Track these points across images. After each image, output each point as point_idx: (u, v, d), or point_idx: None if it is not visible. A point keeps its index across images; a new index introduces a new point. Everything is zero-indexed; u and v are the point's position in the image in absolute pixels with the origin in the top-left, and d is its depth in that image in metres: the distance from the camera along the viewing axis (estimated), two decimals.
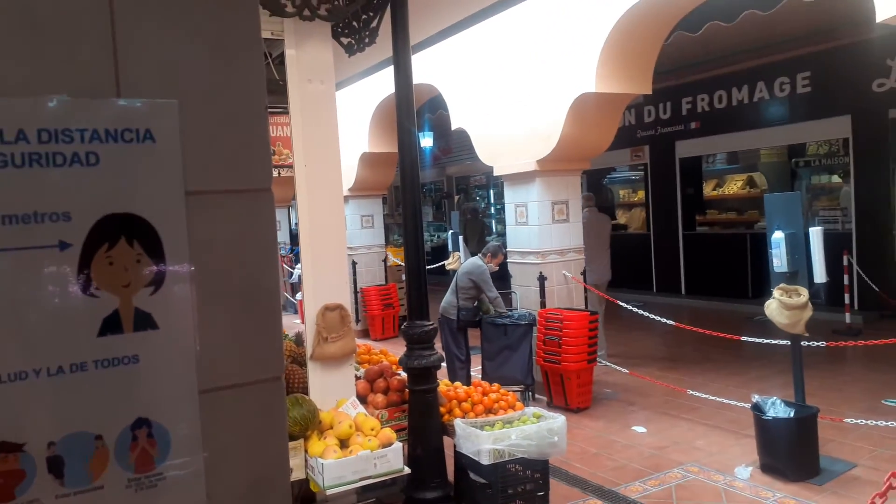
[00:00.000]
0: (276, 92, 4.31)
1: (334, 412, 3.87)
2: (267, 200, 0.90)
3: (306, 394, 4.07)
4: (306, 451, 3.64)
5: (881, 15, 3.80)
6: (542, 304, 6.53)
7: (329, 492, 3.45)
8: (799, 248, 4.28)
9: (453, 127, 7.41)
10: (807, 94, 9.39)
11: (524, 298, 6.79)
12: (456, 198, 17.69)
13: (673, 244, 11.66)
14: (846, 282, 8.13)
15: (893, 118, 8.52)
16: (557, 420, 3.97)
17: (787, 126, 9.79)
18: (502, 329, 6.26)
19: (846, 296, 8.12)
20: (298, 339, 4.64)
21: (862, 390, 6.02)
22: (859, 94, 8.65)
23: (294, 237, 20.71)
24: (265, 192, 0.90)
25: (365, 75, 9.10)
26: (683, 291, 11.51)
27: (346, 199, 10.27)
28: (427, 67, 7.68)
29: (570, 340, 6.00)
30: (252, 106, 0.93)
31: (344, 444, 3.68)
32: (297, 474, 3.63)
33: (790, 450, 4.36)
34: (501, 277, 7.08)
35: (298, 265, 13.50)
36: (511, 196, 6.90)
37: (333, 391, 4.07)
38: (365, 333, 10.31)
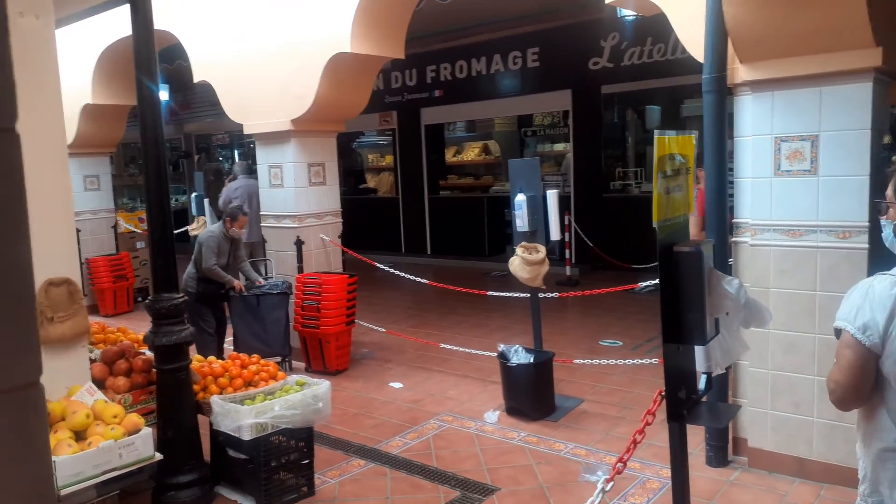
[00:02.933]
0: None
1: (66, 402, 3.37)
2: (8, 144, 0.68)
3: None
4: None
5: None
6: (300, 269, 6.37)
7: (64, 491, 3.01)
8: (538, 210, 4.70)
9: (196, 79, 6.78)
10: (535, 68, 10.30)
11: (281, 263, 6.56)
12: (196, 157, 16.44)
13: (419, 207, 12.16)
14: (567, 239, 9.20)
15: (605, 94, 9.73)
16: (322, 386, 3.91)
17: (518, 97, 10.66)
18: (254, 300, 5.96)
19: (567, 251, 9.20)
20: None
21: (583, 334, 6.88)
22: (578, 70, 9.71)
23: None
24: (6, 133, 0.68)
25: (89, 14, 7.92)
26: (429, 251, 12.10)
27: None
28: (164, 12, 6.89)
29: (329, 304, 5.95)
30: None
31: (81, 436, 3.23)
32: None
33: (531, 392, 4.83)
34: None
35: None
36: (264, 157, 6.57)
37: (63, 378, 3.53)
38: (94, 309, 9.16)
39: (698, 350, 1.98)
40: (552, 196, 4.64)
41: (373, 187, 13.78)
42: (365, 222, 13.05)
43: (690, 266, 1.92)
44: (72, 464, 3.04)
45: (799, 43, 3.17)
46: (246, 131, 6.50)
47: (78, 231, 9.10)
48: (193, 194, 8.50)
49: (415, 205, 12.23)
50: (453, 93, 11.28)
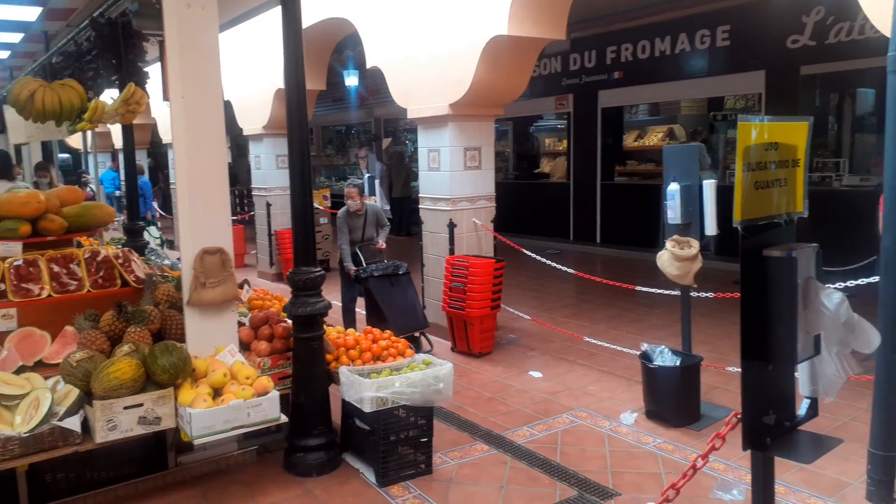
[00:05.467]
0: (152, 16, 3.96)
1: (210, 360, 3.72)
2: None
3: (183, 341, 3.91)
4: (176, 400, 3.49)
5: None
6: (451, 251, 6.47)
7: (197, 441, 3.34)
8: (693, 201, 4.31)
9: (368, 65, 7.11)
10: (726, 47, 9.47)
11: (434, 245, 6.71)
12: (386, 141, 17.32)
13: (591, 193, 11.79)
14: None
15: (805, 75, 8.69)
16: (444, 367, 3.94)
17: (706, 79, 9.89)
18: (387, 280, 6.20)
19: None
20: (178, 284, 4.42)
21: None
22: (774, 49, 8.77)
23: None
24: None
25: (278, 2, 8.65)
26: (598, 240, 11.70)
27: (261, 137, 9.88)
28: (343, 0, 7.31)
29: (474, 287, 5.98)
30: None
31: (218, 392, 3.55)
32: (167, 423, 3.49)
33: (673, 397, 4.49)
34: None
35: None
36: (424, 140, 6.73)
37: (213, 338, 3.91)
38: (279, 277, 10.08)
39: (802, 370, 1.68)
40: (709, 186, 4.22)
41: (546, 172, 13.60)
42: (535, 207, 12.96)
43: (781, 274, 1.62)
44: (205, 417, 3.35)
45: None
46: (409, 116, 6.69)
47: (269, 206, 10.08)
48: (366, 175, 8.97)
49: (586, 191, 11.88)
50: (634, 74, 10.74)
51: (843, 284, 4.14)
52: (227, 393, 3.51)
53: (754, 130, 1.79)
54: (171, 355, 3.51)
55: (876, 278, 3.42)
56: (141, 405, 3.43)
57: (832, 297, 1.71)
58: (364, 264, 6.34)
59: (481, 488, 3.76)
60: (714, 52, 9.67)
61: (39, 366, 3.82)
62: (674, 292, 4.95)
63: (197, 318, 3.89)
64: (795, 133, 1.97)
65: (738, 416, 1.77)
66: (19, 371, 3.68)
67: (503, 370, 5.77)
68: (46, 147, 10.83)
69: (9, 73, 13.28)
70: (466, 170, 6.46)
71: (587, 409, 4.85)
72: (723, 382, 5.10)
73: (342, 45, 9.91)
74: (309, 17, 7.85)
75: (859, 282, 4.17)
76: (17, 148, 11.81)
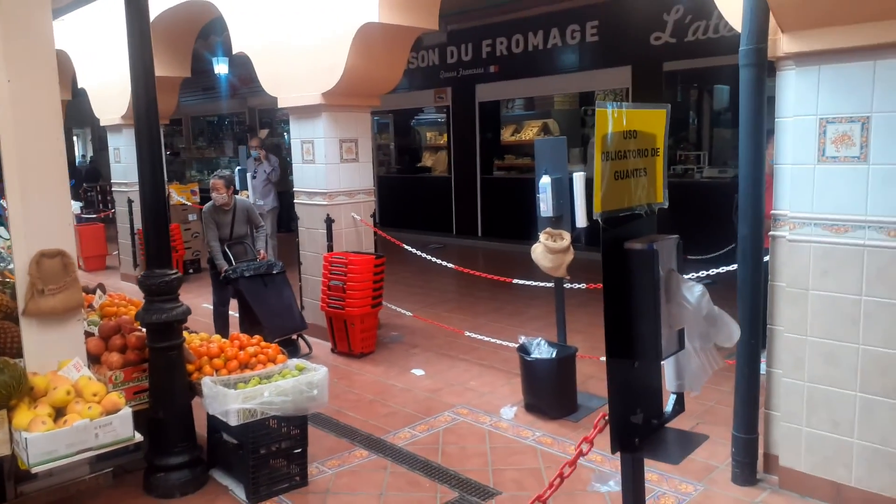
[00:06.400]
0: None
1: (52, 376, 3.32)
2: None
3: (21, 356, 3.47)
4: (10, 423, 3.08)
5: None
6: (329, 248, 6.23)
7: (35, 469, 2.96)
8: (564, 193, 4.35)
9: (234, 51, 6.69)
10: (595, 42, 9.77)
11: (311, 242, 6.44)
12: (263, 132, 16.61)
13: (471, 187, 11.87)
14: None
15: (667, 71, 9.12)
16: (318, 372, 3.73)
17: (577, 74, 10.17)
18: (259, 280, 5.91)
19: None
20: (13, 292, 3.94)
21: None
22: (639, 46, 9.14)
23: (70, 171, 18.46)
24: None
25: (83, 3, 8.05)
26: (480, 233, 11.81)
27: (120, 128, 9.15)
28: None
29: (354, 285, 5.78)
30: None
31: (62, 412, 3.17)
32: (1, 450, 3.08)
33: (551, 389, 4.52)
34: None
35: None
36: (297, 131, 6.43)
37: (56, 352, 3.49)
38: None
39: (667, 365, 1.65)
40: (579, 179, 4.27)
41: (428, 166, 13.57)
42: (418, 202, 12.90)
43: (643, 267, 1.59)
44: (43, 441, 2.97)
45: (850, 8, 2.70)
46: (279, 105, 6.37)
47: (130, 202, 9.35)
48: (237, 168, 8.51)
49: (467, 185, 11.95)
50: (509, 69, 10.88)
51: (704, 273, 4.32)
52: (71, 413, 3.13)
53: (612, 118, 1.73)
54: (1, 373, 3.08)
55: (735, 266, 3.57)
56: None
57: (693, 290, 1.69)
58: (234, 264, 5.97)
59: (359, 497, 3.60)
60: (584, 47, 9.95)
61: None
62: (550, 284, 4.99)
63: (35, 330, 3.46)
64: (654, 120, 1.94)
65: (606, 418, 1.72)
66: None
67: (385, 370, 5.62)
68: None
69: None
70: (343, 162, 6.24)
71: (468, 405, 4.80)
72: (598, 372, 5.21)
73: (209, 30, 9.33)
74: (164, 2, 7.31)
75: (720, 270, 4.36)
76: None
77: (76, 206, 11.90)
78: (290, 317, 6.01)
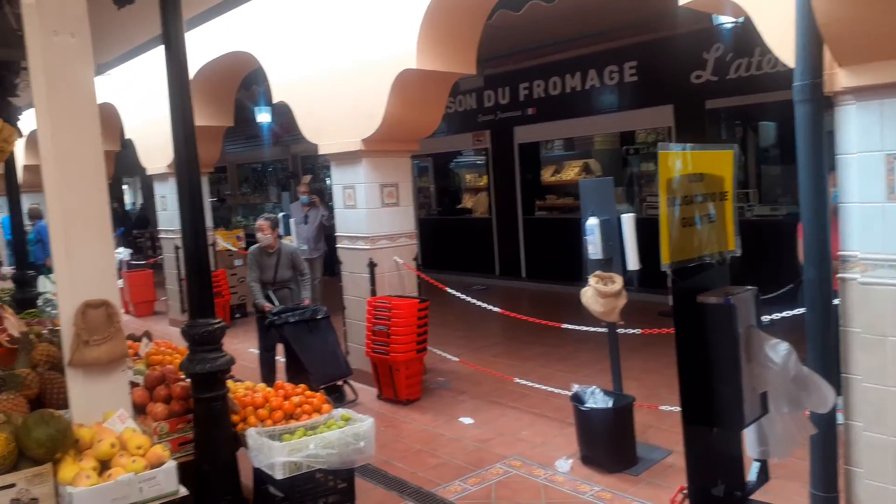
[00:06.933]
0: (11, 45, 3.54)
1: (97, 428, 3.25)
2: None
3: (67, 407, 3.42)
4: (56, 477, 3.02)
5: None
6: (373, 292, 6.16)
7: None
8: (613, 235, 4.20)
9: (275, 100, 6.79)
10: (633, 82, 9.69)
11: (354, 286, 6.39)
12: (306, 178, 16.85)
13: (513, 228, 11.76)
14: None
15: (710, 109, 8.96)
16: (365, 423, 3.61)
17: (616, 114, 10.07)
18: (304, 326, 5.84)
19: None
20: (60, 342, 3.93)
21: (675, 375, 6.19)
22: (680, 84, 9.02)
23: (117, 217, 18.95)
24: None
25: (133, 55, 8.31)
26: (524, 274, 11.64)
27: (166, 176, 9.35)
28: (243, 34, 7.00)
29: (398, 330, 5.69)
30: None
31: (106, 465, 3.10)
32: None
33: (608, 440, 4.30)
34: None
35: (119, 250, 12.22)
36: (338, 177, 6.45)
37: (101, 403, 3.43)
38: None
39: (749, 430, 1.48)
40: (628, 220, 4.12)
41: (469, 207, 13.54)
42: (459, 243, 12.82)
43: (719, 323, 1.43)
44: (88, 496, 2.89)
45: None
46: (320, 151, 6.41)
47: (177, 248, 9.47)
48: (280, 214, 8.56)
49: (509, 226, 11.84)
50: (547, 110, 10.84)
51: (767, 318, 4.08)
52: (115, 466, 3.05)
53: (677, 160, 1.60)
54: (47, 426, 3.03)
55: (799, 310, 3.37)
56: (13, 485, 2.94)
57: (778, 348, 1.53)
58: (277, 304, 5.95)
59: None
60: (623, 87, 9.88)
61: None
62: (601, 329, 4.80)
63: (81, 381, 3.41)
64: (721, 162, 1.82)
65: (684, 491, 1.55)
66: None
67: (432, 418, 5.46)
68: None
69: None
70: (384, 207, 6.21)
71: (521, 456, 4.60)
72: (657, 421, 4.96)
73: (250, 80, 9.53)
74: (210, 52, 7.48)
75: (782, 315, 4.11)
76: None
77: (125, 252, 12.17)
78: (335, 363, 5.92)
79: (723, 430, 1.50)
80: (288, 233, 8.66)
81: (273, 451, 3.33)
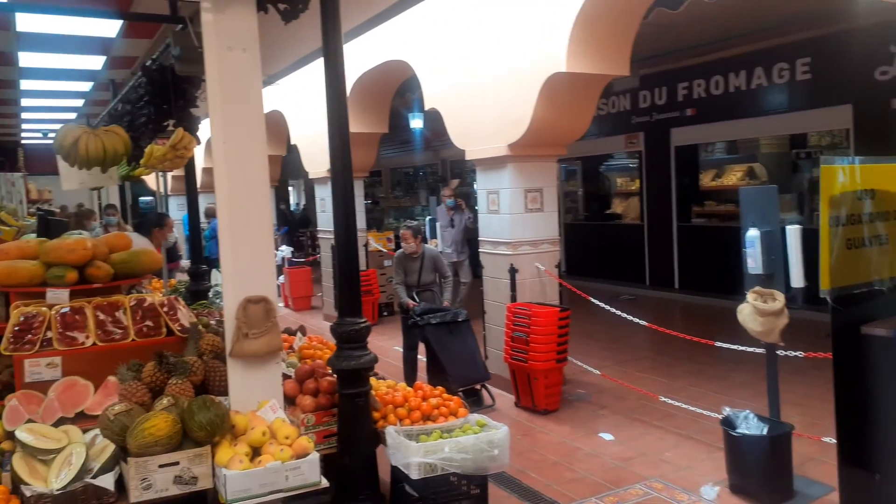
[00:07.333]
0: (195, 61, 3.89)
1: (251, 416, 3.50)
2: None
3: (227, 394, 3.71)
4: (214, 459, 3.28)
5: None
6: (513, 298, 6.14)
7: None
8: (776, 249, 3.86)
9: (426, 107, 6.98)
10: (807, 80, 8.90)
11: (495, 291, 6.40)
12: (454, 182, 17.22)
13: (667, 236, 11.23)
14: None
15: None
16: (500, 431, 3.60)
17: (786, 115, 9.30)
18: (445, 328, 5.92)
19: None
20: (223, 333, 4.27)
21: None
22: (861, 82, 8.16)
23: (282, 217, 20.36)
24: None
25: (297, 67, 8.78)
26: (677, 285, 11.08)
27: (325, 180, 9.87)
28: (400, 43, 7.25)
29: (538, 338, 5.62)
30: None
31: (258, 451, 3.32)
32: (204, 483, 3.27)
33: (761, 470, 3.96)
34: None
35: (282, 247, 13.15)
36: (483, 182, 6.49)
37: (256, 392, 3.69)
38: None
39: None
40: (793, 233, 3.76)
41: (618, 213, 13.12)
42: (607, 250, 12.47)
43: (885, 357, 1.24)
44: (240, 480, 3.11)
45: None
46: (467, 157, 6.49)
47: (334, 248, 10.01)
48: (428, 218, 8.77)
49: (662, 233, 11.32)
50: (707, 111, 10.24)
51: None
52: (265, 453, 3.26)
53: (842, 174, 1.41)
54: (208, 411, 3.30)
55: None
56: (177, 464, 3.22)
57: None
58: (420, 303, 6.12)
59: None
60: (794, 86, 9.10)
61: (81, 417, 3.70)
62: (759, 350, 4.44)
63: (239, 371, 3.69)
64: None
65: None
66: (60, 422, 3.57)
67: (570, 430, 5.33)
68: (122, 189, 11.26)
69: (85, 121, 13.92)
70: (527, 212, 6.16)
71: (663, 479, 4.37)
72: (819, 453, 4.50)
73: (405, 88, 9.87)
74: (369, 60, 7.82)
75: None
76: (98, 193, 12.34)
77: (288, 250, 13.07)
78: (474, 367, 5.96)
79: (887, 476, 1.31)
80: (434, 236, 8.85)
81: (409, 451, 3.40)
